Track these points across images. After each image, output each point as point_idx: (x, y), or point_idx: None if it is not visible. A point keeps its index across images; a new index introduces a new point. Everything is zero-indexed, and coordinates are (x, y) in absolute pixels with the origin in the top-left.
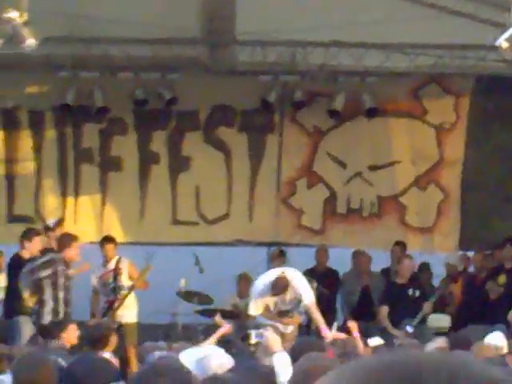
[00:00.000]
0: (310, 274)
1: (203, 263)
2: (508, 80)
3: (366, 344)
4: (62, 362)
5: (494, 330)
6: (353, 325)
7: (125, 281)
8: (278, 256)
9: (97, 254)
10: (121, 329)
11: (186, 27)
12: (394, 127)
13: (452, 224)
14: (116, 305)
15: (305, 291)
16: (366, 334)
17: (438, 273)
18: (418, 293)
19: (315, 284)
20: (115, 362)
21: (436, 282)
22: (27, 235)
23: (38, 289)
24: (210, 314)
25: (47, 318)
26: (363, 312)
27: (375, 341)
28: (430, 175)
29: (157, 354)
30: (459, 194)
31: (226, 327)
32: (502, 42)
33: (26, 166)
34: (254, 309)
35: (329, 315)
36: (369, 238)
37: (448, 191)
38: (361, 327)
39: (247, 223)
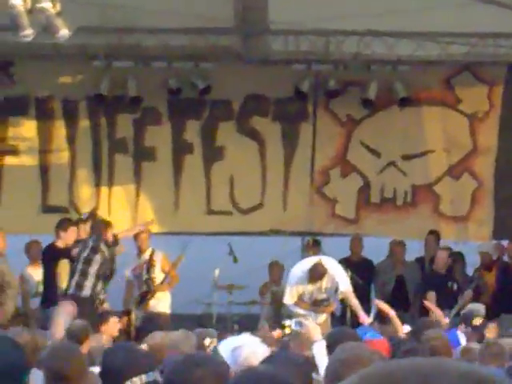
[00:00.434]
0: (344, 263)
1: (237, 253)
2: None
3: None
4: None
5: None
6: (384, 306)
7: (158, 273)
8: (313, 246)
9: (131, 244)
10: (154, 319)
11: (220, 17)
12: (427, 116)
13: (486, 213)
14: (148, 296)
15: (342, 279)
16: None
17: (472, 262)
18: (455, 286)
19: (350, 274)
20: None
21: (470, 271)
22: (62, 225)
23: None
24: (244, 304)
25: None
26: (398, 301)
27: (407, 328)
28: (464, 164)
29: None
30: (493, 182)
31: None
32: None
33: (60, 156)
34: (289, 297)
35: (363, 305)
36: (403, 227)
37: (481, 180)
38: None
39: (281, 213)
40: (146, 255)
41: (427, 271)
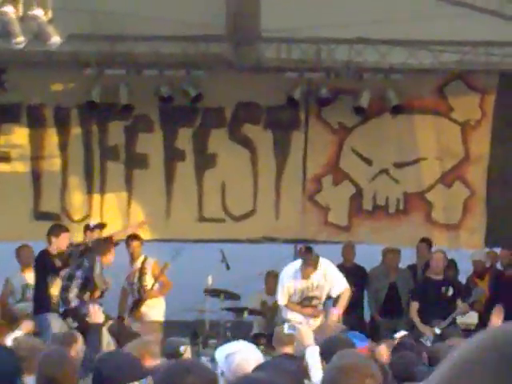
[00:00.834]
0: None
1: (229, 260)
2: None
3: (392, 338)
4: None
5: None
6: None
7: (149, 280)
8: (305, 253)
9: (123, 251)
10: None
11: (212, 24)
12: (420, 124)
13: (478, 221)
14: (139, 304)
15: (338, 278)
16: (394, 331)
17: (464, 269)
18: (451, 291)
19: None
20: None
21: (462, 279)
22: (54, 231)
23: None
24: (237, 311)
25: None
26: (391, 309)
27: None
28: (456, 172)
29: None
30: (485, 190)
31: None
32: None
33: (52, 163)
34: (282, 297)
35: (356, 312)
36: (395, 235)
37: (474, 188)
38: (389, 324)
39: (273, 220)
40: (138, 263)
41: (420, 278)
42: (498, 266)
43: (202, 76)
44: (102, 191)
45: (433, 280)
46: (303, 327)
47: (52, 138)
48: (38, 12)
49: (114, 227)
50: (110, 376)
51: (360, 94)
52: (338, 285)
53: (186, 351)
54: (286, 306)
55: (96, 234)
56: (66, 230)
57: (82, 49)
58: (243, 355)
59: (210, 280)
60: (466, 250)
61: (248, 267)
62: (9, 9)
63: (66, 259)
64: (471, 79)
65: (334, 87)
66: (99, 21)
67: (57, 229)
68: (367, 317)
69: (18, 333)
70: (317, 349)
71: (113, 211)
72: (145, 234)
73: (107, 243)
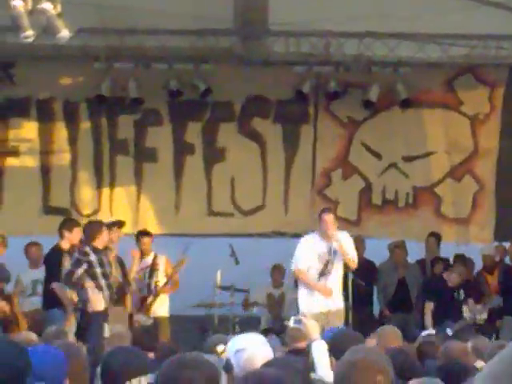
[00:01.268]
0: (346, 265)
1: (239, 254)
2: None
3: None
4: None
5: None
6: None
7: (160, 277)
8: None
9: (132, 246)
10: (155, 324)
11: (220, 18)
12: (429, 118)
13: (487, 215)
14: (149, 301)
15: (352, 247)
16: (403, 326)
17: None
18: (462, 295)
19: (352, 276)
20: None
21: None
22: (67, 225)
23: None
24: (245, 305)
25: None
26: (400, 303)
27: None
28: (465, 166)
29: None
30: (494, 184)
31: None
32: None
33: (61, 157)
34: (296, 262)
35: (365, 307)
36: (404, 229)
37: (483, 182)
38: (398, 319)
39: (282, 214)
40: (149, 259)
41: (429, 275)
42: (507, 260)
43: (211, 70)
44: (112, 185)
45: (441, 279)
46: (309, 321)
47: (61, 132)
48: (47, 6)
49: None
50: (117, 370)
51: (369, 88)
52: (352, 251)
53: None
54: (300, 272)
55: (115, 232)
56: (78, 224)
57: (91, 43)
58: (252, 351)
59: (218, 275)
60: (475, 244)
61: (257, 262)
62: (18, 2)
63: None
64: (480, 73)
65: (343, 81)
66: (108, 14)
67: (70, 223)
68: (376, 311)
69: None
70: (323, 343)
71: (122, 205)
72: (154, 229)
73: (98, 226)
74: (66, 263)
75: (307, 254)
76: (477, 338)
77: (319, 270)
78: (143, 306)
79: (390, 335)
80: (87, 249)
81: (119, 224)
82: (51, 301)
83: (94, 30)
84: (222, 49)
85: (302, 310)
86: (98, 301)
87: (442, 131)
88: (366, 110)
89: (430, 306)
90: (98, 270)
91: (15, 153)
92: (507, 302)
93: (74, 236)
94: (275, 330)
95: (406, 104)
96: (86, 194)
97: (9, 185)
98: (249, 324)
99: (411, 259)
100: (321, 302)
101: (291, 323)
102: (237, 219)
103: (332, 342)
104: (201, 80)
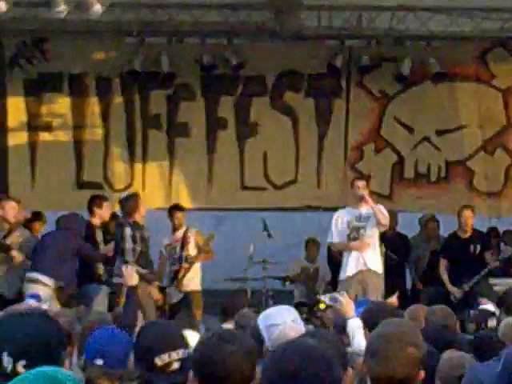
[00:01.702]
0: (379, 239)
1: (271, 228)
2: None
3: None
4: None
5: None
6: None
7: (191, 250)
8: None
9: (164, 220)
10: (187, 297)
11: None
12: (461, 92)
13: None
14: (181, 274)
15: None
16: (435, 299)
17: None
18: (479, 248)
19: (384, 249)
20: None
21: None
22: (96, 202)
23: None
24: (279, 279)
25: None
26: (432, 276)
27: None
28: (498, 139)
29: None
30: None
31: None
32: None
33: (94, 132)
34: (331, 235)
35: (398, 280)
36: (436, 203)
37: None
38: (430, 292)
39: (315, 189)
40: (180, 232)
41: (450, 235)
42: None
43: (244, 44)
44: (144, 160)
45: (461, 238)
46: (345, 298)
47: (94, 107)
48: None
49: (156, 196)
50: (152, 345)
51: (401, 62)
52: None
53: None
54: (333, 244)
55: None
56: (106, 199)
57: (123, 18)
58: (284, 326)
59: (251, 249)
60: (507, 217)
61: (289, 236)
62: None
63: (108, 231)
64: None
65: (375, 55)
66: None
67: (98, 199)
68: (408, 285)
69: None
70: (357, 320)
71: (154, 180)
72: (186, 203)
73: (135, 200)
74: (99, 239)
75: (339, 227)
76: None
77: (348, 236)
78: (175, 279)
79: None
80: (123, 222)
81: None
82: (84, 276)
83: (126, 4)
84: (254, 23)
85: (340, 277)
86: (131, 275)
87: (475, 105)
88: (399, 83)
89: (443, 263)
90: (128, 246)
91: (48, 128)
92: None
93: (105, 212)
94: (308, 303)
95: (438, 78)
96: (118, 168)
97: (42, 160)
98: (282, 298)
99: (444, 233)
100: (356, 262)
101: (327, 300)
102: (269, 193)
103: (365, 315)
104: (233, 54)
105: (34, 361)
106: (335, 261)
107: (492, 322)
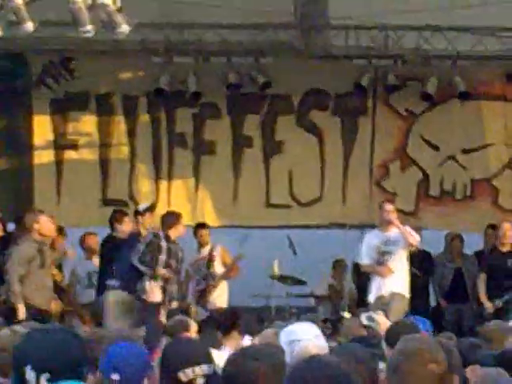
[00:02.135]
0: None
1: (296, 246)
2: None
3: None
4: None
5: None
6: None
7: (218, 268)
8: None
9: (190, 237)
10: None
11: (279, 12)
12: (487, 110)
13: None
14: (207, 292)
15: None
16: (459, 317)
17: None
18: None
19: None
20: None
21: None
22: (117, 217)
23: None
24: (303, 296)
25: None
26: (456, 294)
27: None
28: None
29: None
30: None
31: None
32: None
33: (120, 150)
34: (361, 256)
35: (422, 297)
36: (462, 221)
37: None
38: (454, 310)
39: (340, 206)
40: (206, 250)
41: (490, 248)
42: None
43: (270, 63)
44: (170, 178)
45: (500, 251)
46: (381, 318)
47: (120, 125)
48: (107, 1)
49: (182, 213)
50: (176, 360)
51: (427, 81)
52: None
53: None
54: (362, 266)
55: (147, 218)
56: (126, 214)
57: (150, 37)
58: (306, 343)
59: (276, 265)
60: None
61: (315, 253)
62: None
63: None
64: None
65: (402, 74)
66: (167, 9)
67: (119, 215)
68: (433, 302)
69: None
70: None
71: (180, 198)
72: (212, 221)
73: (175, 218)
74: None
75: (367, 249)
76: None
77: (376, 261)
78: (201, 296)
79: None
80: (160, 234)
81: (151, 209)
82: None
83: (153, 24)
84: (281, 42)
85: (369, 299)
86: (154, 291)
87: (501, 123)
88: (425, 102)
89: (483, 277)
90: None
91: (74, 146)
92: None
93: (125, 227)
94: (333, 320)
95: (464, 96)
96: (144, 186)
97: (68, 178)
98: (306, 315)
99: (468, 251)
100: (378, 286)
101: (364, 320)
102: (294, 211)
103: (387, 333)
104: (260, 73)
105: (57, 375)
106: (362, 279)
107: None
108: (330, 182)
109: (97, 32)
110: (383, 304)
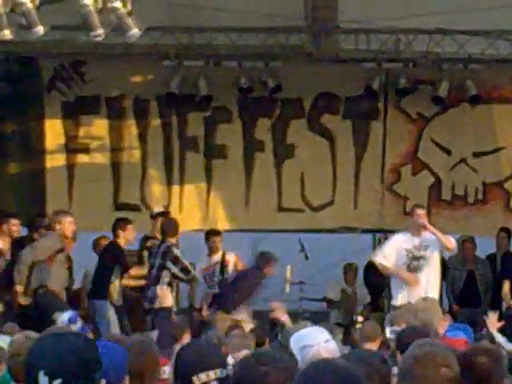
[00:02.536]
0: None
1: (308, 250)
2: None
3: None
4: None
5: None
6: None
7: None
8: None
9: (201, 241)
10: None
11: (290, 16)
12: (499, 114)
13: None
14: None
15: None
16: (471, 321)
17: None
18: None
19: None
20: None
21: None
22: (120, 225)
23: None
24: (315, 300)
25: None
26: (468, 298)
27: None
28: None
29: None
30: None
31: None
32: None
33: (132, 154)
34: (380, 253)
35: None
36: (473, 225)
37: None
38: (466, 314)
39: (352, 210)
40: (218, 256)
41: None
42: None
43: (281, 67)
44: (181, 182)
45: None
46: None
47: (131, 129)
48: (117, 4)
49: (194, 217)
50: (190, 364)
51: (439, 84)
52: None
53: None
54: (382, 266)
55: (159, 223)
56: (131, 222)
57: (160, 41)
58: (318, 348)
59: (288, 270)
60: None
61: (327, 257)
62: (88, 1)
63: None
64: None
65: (413, 77)
66: (178, 13)
67: (122, 222)
68: (445, 306)
69: None
70: None
71: (192, 202)
72: (224, 225)
73: (174, 224)
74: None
75: (391, 250)
76: None
77: (407, 265)
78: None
79: None
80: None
81: (164, 214)
82: (100, 292)
83: (163, 28)
84: (291, 46)
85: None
86: (166, 296)
87: None
88: (436, 106)
89: (507, 284)
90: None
91: (86, 150)
92: None
93: (129, 234)
94: (345, 325)
95: (475, 100)
96: (155, 190)
97: (79, 182)
98: (318, 319)
99: (481, 254)
100: (409, 290)
101: (388, 334)
102: (306, 215)
103: (398, 338)
104: (270, 77)
105: (69, 380)
106: (373, 281)
107: None
108: (341, 186)
109: (107, 36)
110: (410, 310)
